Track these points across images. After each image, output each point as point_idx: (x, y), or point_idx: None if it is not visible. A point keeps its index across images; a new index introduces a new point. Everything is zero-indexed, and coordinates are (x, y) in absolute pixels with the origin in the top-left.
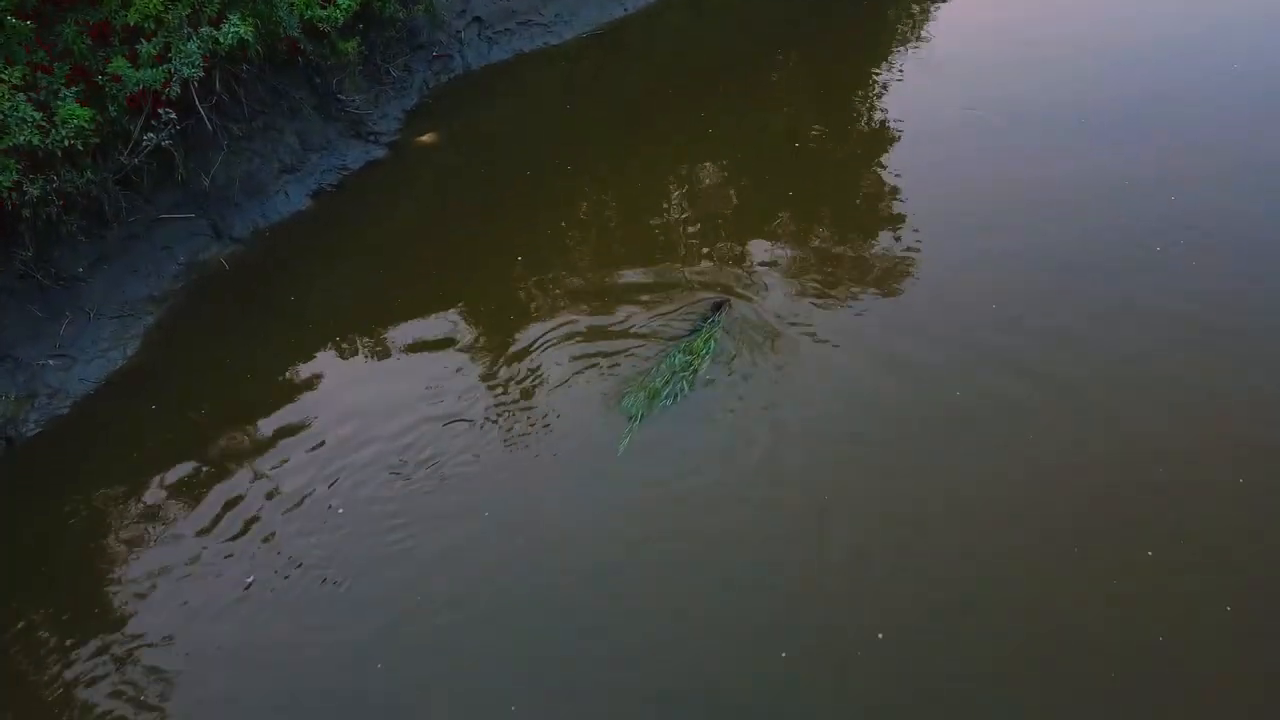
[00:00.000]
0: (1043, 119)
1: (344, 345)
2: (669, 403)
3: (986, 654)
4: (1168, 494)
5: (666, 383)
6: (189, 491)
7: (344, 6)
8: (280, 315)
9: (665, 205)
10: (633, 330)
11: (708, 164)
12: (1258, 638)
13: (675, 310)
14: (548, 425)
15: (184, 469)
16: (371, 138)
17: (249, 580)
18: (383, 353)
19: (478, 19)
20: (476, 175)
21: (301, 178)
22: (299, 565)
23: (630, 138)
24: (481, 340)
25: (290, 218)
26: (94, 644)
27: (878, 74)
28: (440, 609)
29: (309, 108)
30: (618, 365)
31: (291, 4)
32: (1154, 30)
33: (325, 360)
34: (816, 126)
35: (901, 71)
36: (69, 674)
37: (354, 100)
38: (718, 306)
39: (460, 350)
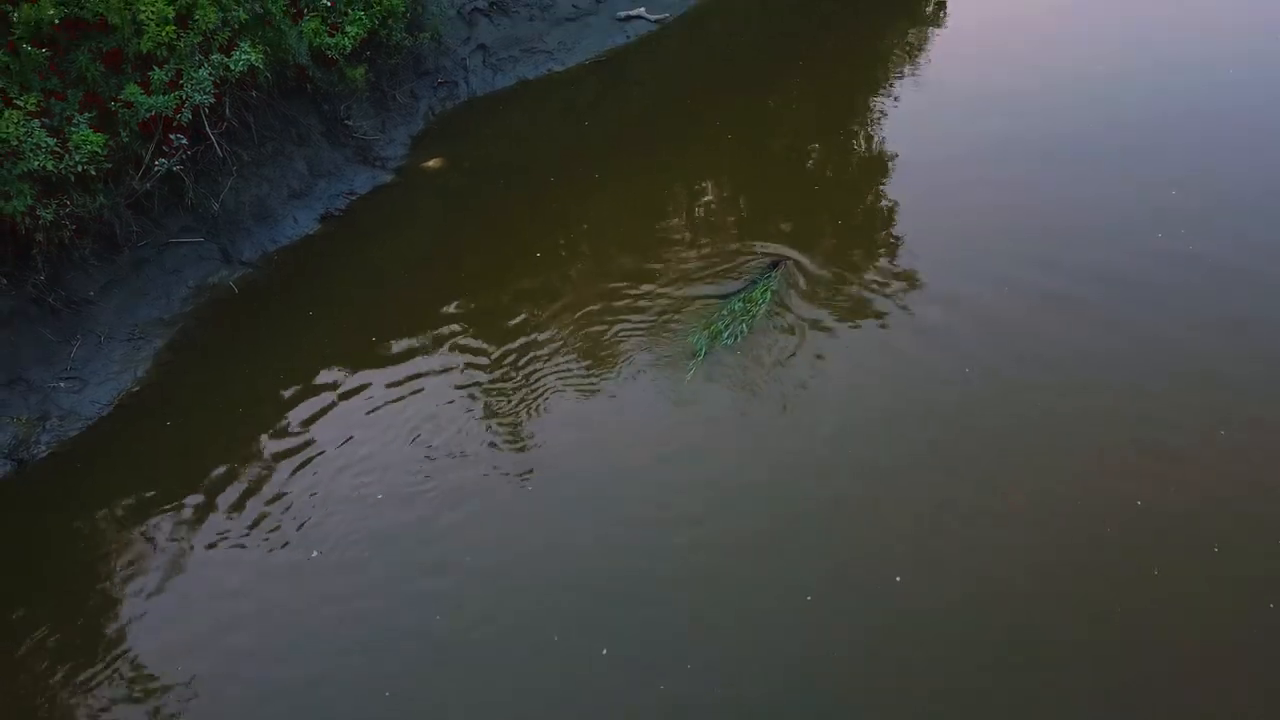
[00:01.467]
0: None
1: (352, 366)
2: (729, 341)
3: None
4: None
5: (728, 325)
6: (201, 509)
7: (352, 34)
8: (289, 337)
9: (671, 228)
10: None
11: (711, 182)
12: None
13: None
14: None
15: (196, 488)
16: (378, 163)
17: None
18: (389, 376)
19: (482, 46)
20: (481, 198)
21: (310, 202)
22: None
23: (632, 161)
24: (491, 357)
25: (299, 242)
26: (100, 657)
27: (877, 99)
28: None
29: (317, 134)
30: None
31: (301, 32)
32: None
33: (332, 380)
34: (816, 154)
35: (897, 100)
36: (72, 680)
37: (361, 127)
38: (775, 264)
39: (471, 368)
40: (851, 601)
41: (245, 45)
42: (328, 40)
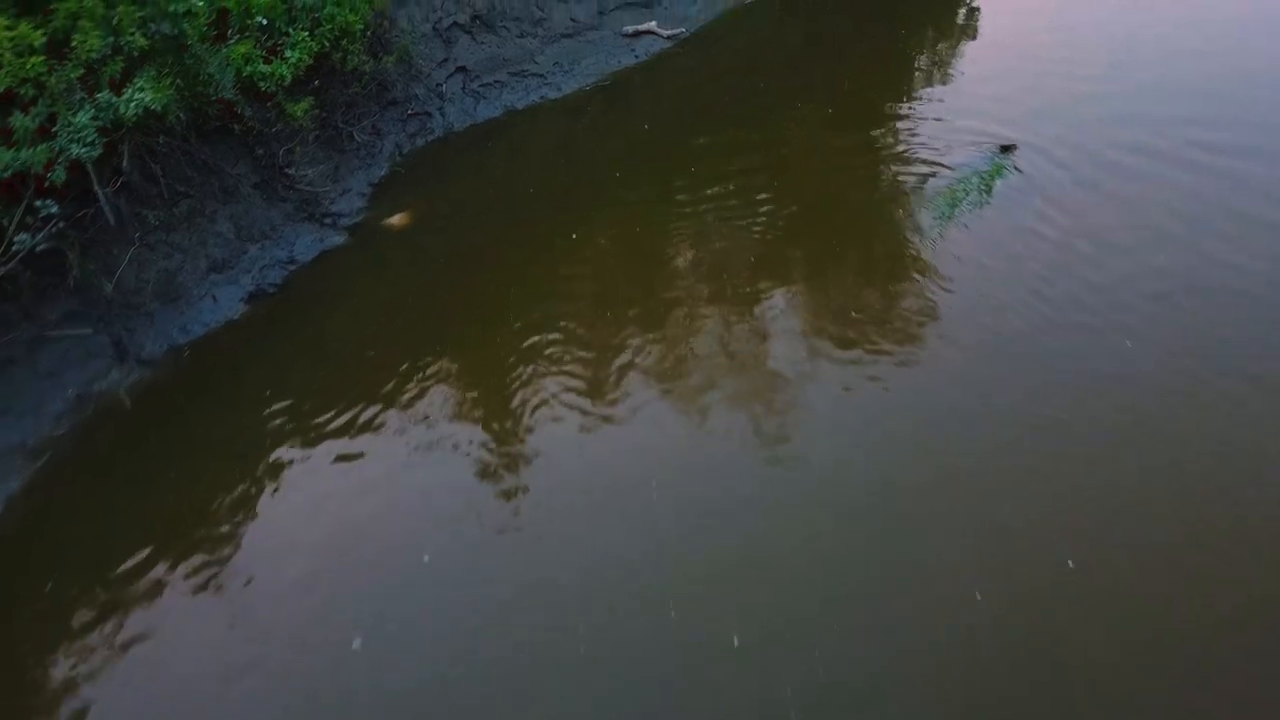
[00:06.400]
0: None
1: (269, 520)
2: (970, 209)
3: None
4: None
5: (966, 194)
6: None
7: (293, 61)
8: (194, 472)
9: (684, 299)
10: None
11: (738, 248)
12: None
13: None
14: None
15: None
16: (328, 220)
17: None
18: (317, 542)
19: (462, 69)
20: (456, 262)
21: (235, 276)
22: None
23: (640, 215)
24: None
25: (219, 330)
26: None
27: (895, 120)
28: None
29: (248, 186)
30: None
31: (227, 59)
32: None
33: (251, 535)
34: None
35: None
36: None
37: (307, 175)
38: (1006, 148)
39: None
40: None
41: (141, 81)
42: (262, 69)
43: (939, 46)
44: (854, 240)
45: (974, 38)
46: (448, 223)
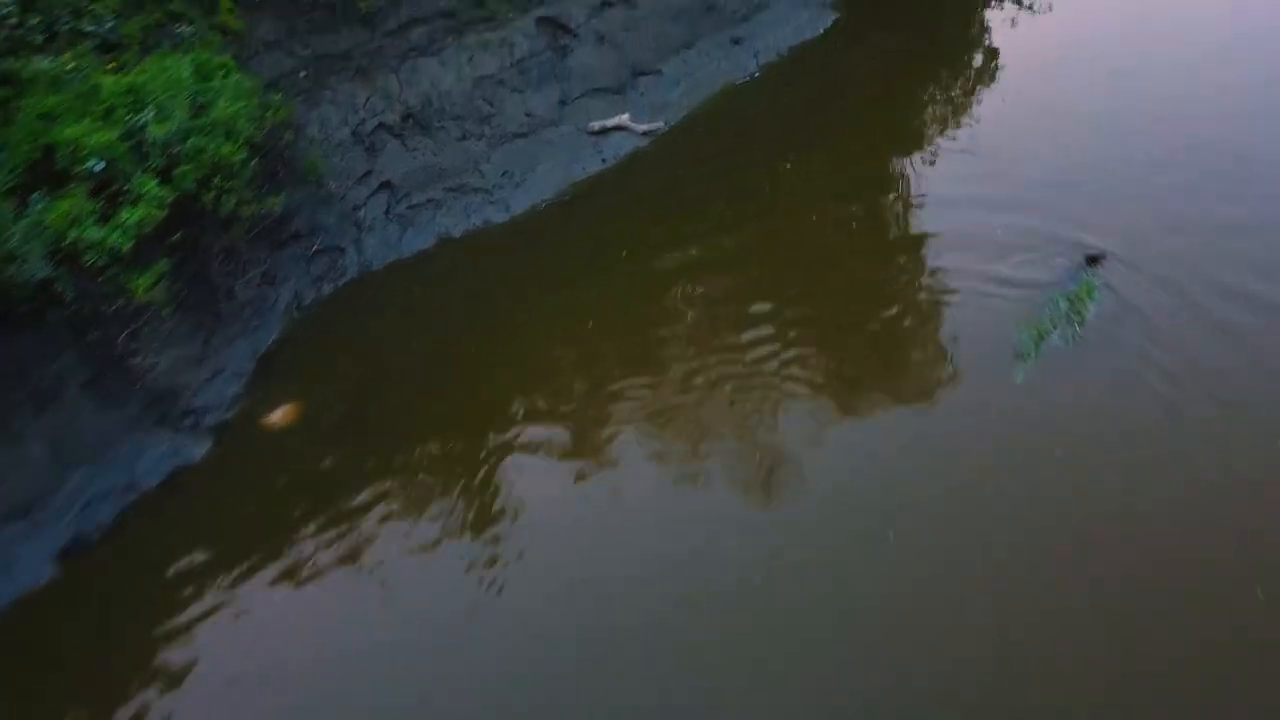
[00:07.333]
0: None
1: None
2: (1062, 344)
3: None
4: None
5: (1054, 326)
6: None
7: (133, 223)
8: None
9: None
10: None
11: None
12: None
13: None
14: None
15: None
16: (187, 421)
17: None
18: None
19: (387, 186)
20: (350, 486)
21: (44, 524)
22: None
23: (606, 396)
24: None
25: (15, 604)
26: None
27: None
28: None
29: (75, 386)
30: None
31: (39, 223)
32: None
33: None
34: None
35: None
36: None
37: (157, 363)
38: (1094, 259)
39: None
40: None
41: None
42: (92, 235)
43: (968, 109)
44: (909, 403)
45: (1002, 99)
46: (347, 421)
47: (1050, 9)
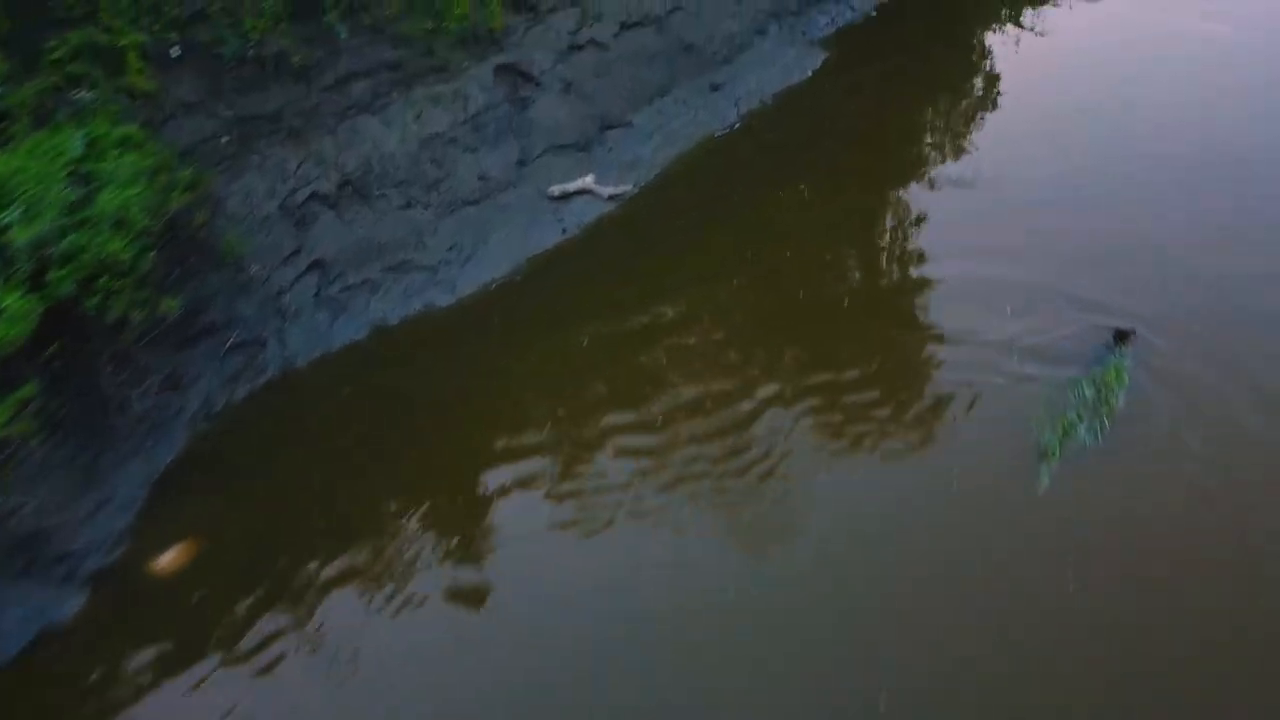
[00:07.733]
0: None
1: None
2: (1090, 440)
3: None
4: None
5: (1080, 418)
6: None
7: None
8: None
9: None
10: None
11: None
12: None
13: None
14: None
15: None
16: (60, 569)
17: None
18: None
19: (317, 265)
20: (263, 637)
21: None
22: None
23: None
24: None
25: None
26: None
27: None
28: None
29: None
30: None
31: None
32: None
33: None
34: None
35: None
36: None
37: (25, 504)
38: (1123, 336)
39: None
40: None
41: None
42: None
43: (973, 148)
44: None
45: (1008, 142)
46: (254, 560)
47: (1050, 32)
